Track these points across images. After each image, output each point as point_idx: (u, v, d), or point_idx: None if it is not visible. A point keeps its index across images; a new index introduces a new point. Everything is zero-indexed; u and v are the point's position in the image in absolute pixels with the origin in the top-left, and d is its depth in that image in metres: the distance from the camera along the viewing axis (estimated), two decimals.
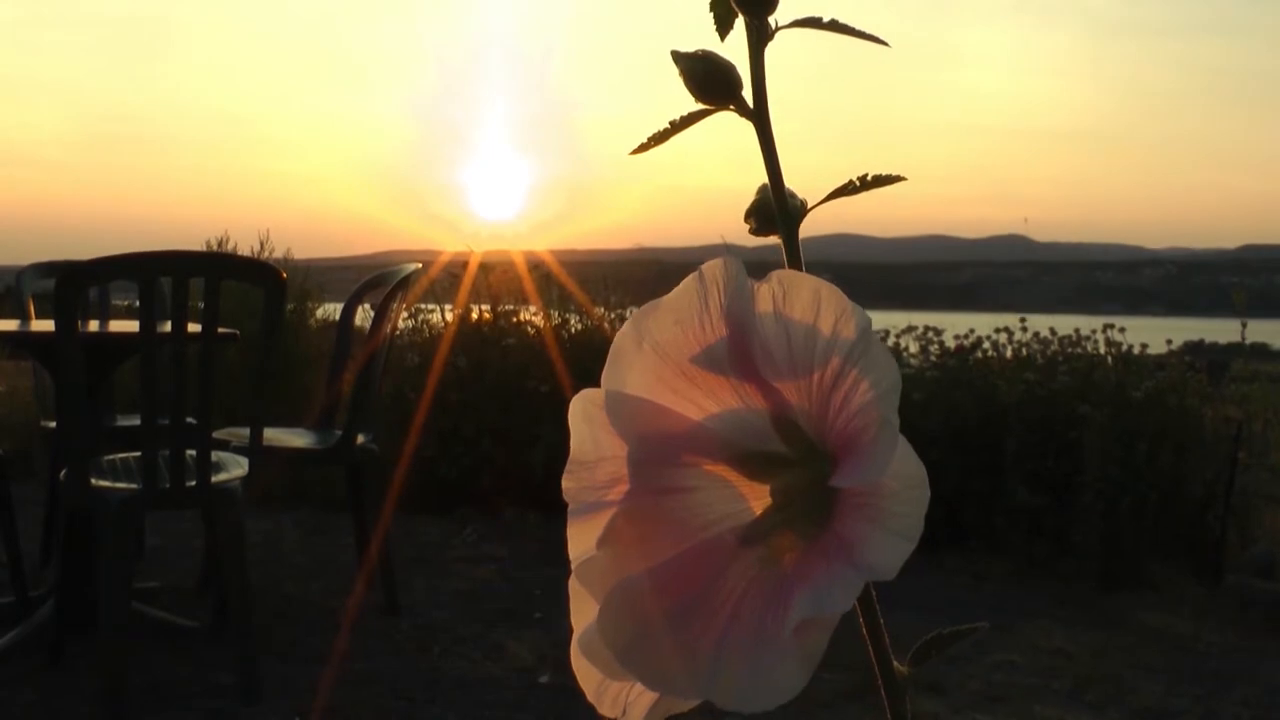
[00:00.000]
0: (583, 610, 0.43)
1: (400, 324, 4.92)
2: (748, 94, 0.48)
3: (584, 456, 0.44)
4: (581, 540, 0.44)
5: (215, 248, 5.91)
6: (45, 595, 3.41)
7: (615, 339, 0.44)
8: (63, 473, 3.04)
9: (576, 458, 0.45)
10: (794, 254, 0.46)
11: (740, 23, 0.49)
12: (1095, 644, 3.67)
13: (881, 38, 0.46)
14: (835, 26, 0.45)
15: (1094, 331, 4.96)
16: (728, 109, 0.46)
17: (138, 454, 3.09)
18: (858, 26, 0.46)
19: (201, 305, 3.60)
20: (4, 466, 3.52)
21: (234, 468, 3.15)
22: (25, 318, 3.98)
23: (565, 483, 0.45)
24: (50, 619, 3.23)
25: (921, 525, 0.37)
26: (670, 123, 0.47)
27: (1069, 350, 5.01)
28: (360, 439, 3.70)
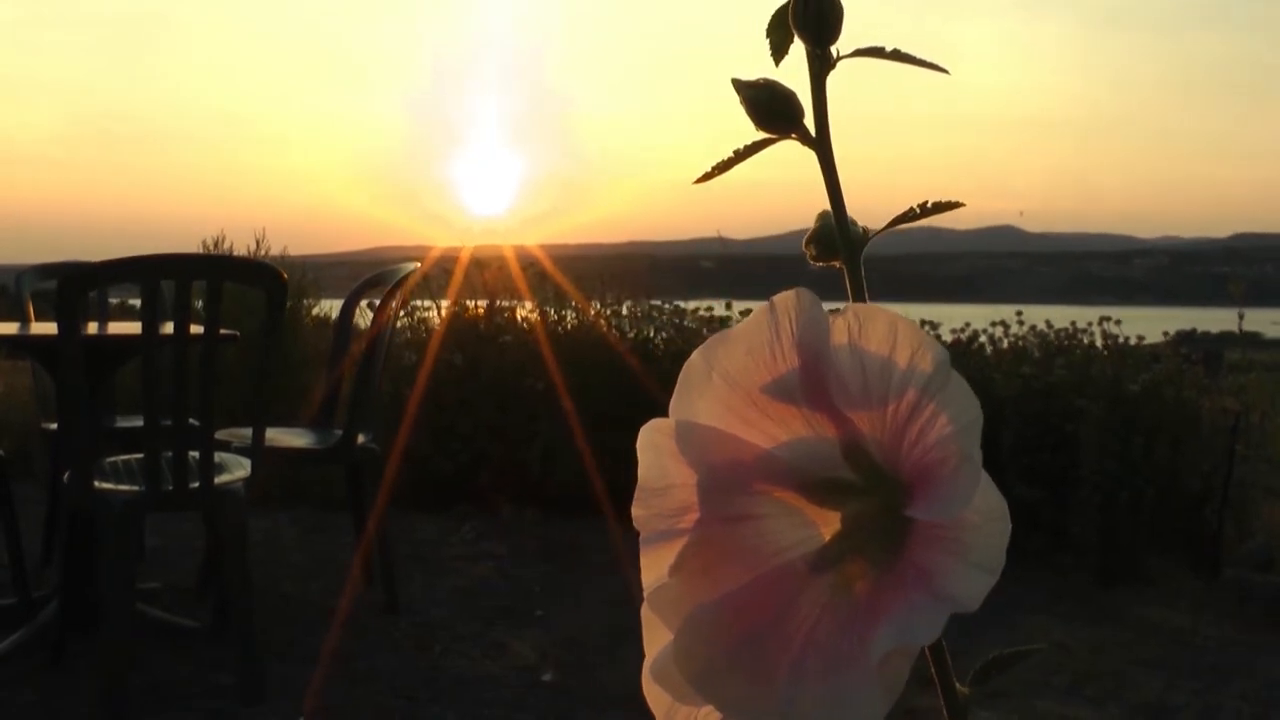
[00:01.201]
0: (654, 636, 0.44)
1: (398, 323, 4.92)
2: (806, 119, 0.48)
3: (653, 484, 0.45)
4: (654, 568, 0.44)
5: (212, 247, 5.90)
6: (48, 596, 3.40)
7: (684, 368, 0.44)
8: (66, 475, 3.04)
9: (645, 485, 0.45)
10: (857, 282, 0.47)
11: (792, 46, 0.49)
12: (1094, 639, 3.69)
13: (943, 66, 0.46)
14: (897, 56, 0.46)
15: (1090, 324, 4.98)
16: (789, 138, 0.47)
17: (140, 455, 3.09)
18: (903, 47, 0.46)
19: (199, 304, 3.61)
20: (4, 467, 3.52)
21: (236, 469, 3.14)
22: (25, 319, 3.97)
23: (635, 510, 0.45)
24: (53, 620, 3.23)
25: (1003, 558, 0.38)
26: (735, 152, 0.47)
27: (1065, 343, 5.03)
28: (361, 439, 3.70)
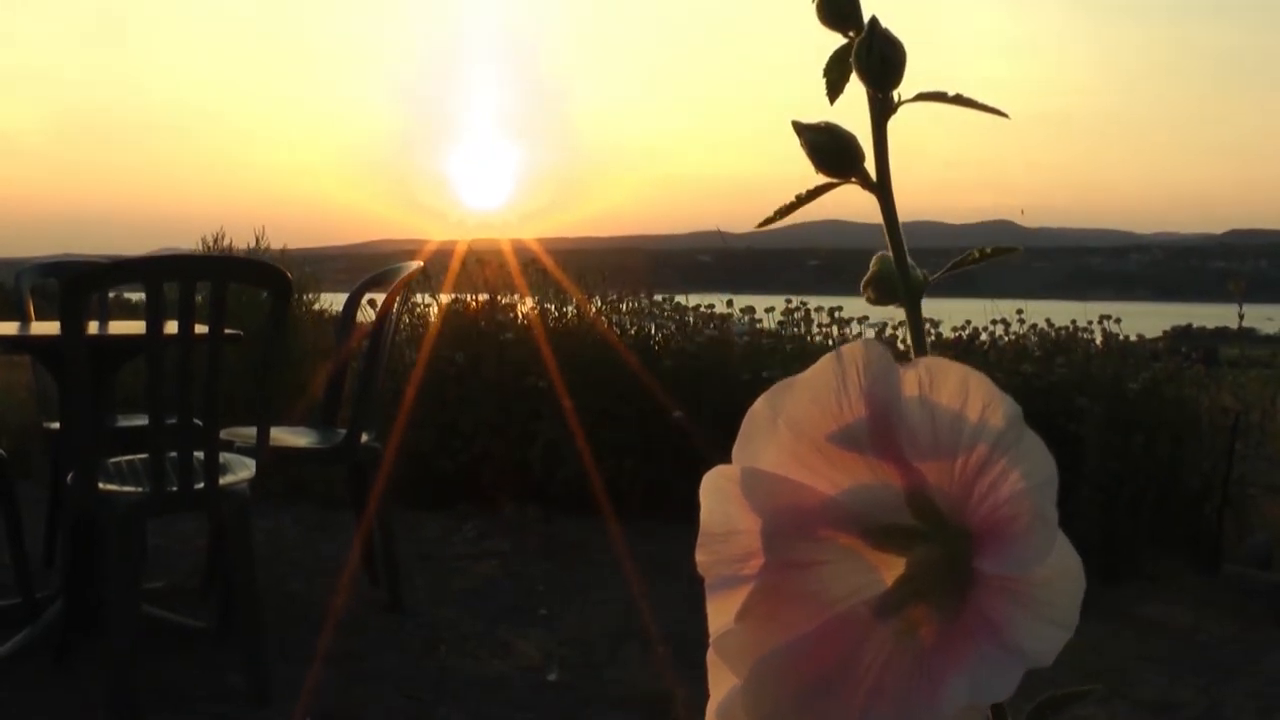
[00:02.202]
0: (720, 679, 0.44)
1: (400, 321, 4.91)
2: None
3: (716, 529, 0.45)
4: (720, 614, 0.45)
5: (211, 244, 5.89)
6: (51, 596, 3.40)
7: (748, 414, 0.45)
8: (69, 476, 3.04)
9: (708, 530, 0.45)
10: (918, 325, 0.47)
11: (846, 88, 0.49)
12: (1097, 636, 3.70)
13: (1003, 111, 0.46)
14: (959, 100, 0.46)
15: (1090, 323, 4.99)
16: (850, 182, 0.47)
17: (144, 456, 3.08)
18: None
19: (201, 299, 3.60)
20: (6, 468, 3.51)
21: (240, 469, 3.14)
22: (25, 318, 3.97)
23: (699, 556, 0.46)
24: (57, 620, 3.23)
25: (1077, 616, 0.38)
26: (796, 197, 0.47)
27: (1065, 341, 5.04)
28: (364, 438, 3.70)
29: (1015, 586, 0.39)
